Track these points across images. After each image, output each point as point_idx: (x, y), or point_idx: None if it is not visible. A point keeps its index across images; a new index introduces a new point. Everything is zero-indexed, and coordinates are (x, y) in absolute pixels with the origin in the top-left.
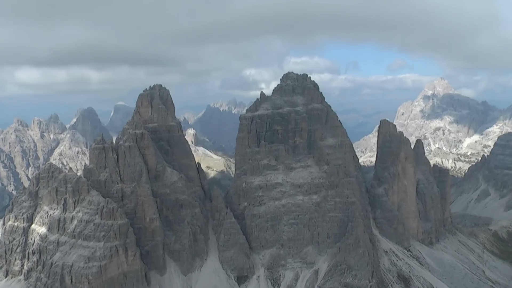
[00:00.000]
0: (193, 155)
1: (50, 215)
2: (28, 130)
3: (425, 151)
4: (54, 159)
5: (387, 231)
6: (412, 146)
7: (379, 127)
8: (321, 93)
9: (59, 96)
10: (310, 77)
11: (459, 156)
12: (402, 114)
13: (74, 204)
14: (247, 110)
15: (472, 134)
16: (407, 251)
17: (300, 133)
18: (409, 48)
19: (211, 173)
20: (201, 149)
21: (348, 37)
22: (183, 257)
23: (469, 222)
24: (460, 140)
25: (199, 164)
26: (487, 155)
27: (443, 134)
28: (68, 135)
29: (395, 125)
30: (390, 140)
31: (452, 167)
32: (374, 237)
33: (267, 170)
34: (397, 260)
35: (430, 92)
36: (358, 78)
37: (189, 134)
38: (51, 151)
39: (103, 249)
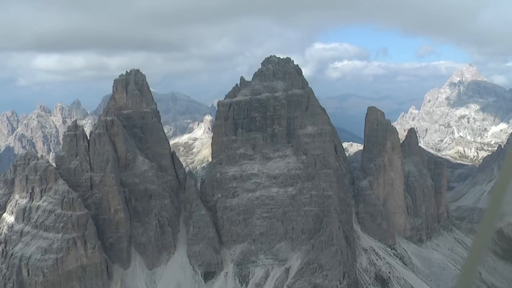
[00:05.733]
0: (168, 143)
1: (18, 203)
2: (50, 116)
3: (449, 139)
4: None
5: (369, 227)
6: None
7: (366, 114)
8: (303, 77)
9: (88, 83)
10: (293, 61)
11: (482, 145)
12: (429, 101)
13: (41, 193)
14: (225, 96)
15: (498, 123)
16: (391, 249)
17: (279, 120)
18: (411, 30)
19: None
20: None
21: (338, 18)
22: (149, 250)
23: (477, 217)
24: (485, 129)
25: (173, 152)
26: (504, 145)
27: (468, 122)
28: (89, 121)
29: (383, 113)
30: (377, 129)
31: (474, 156)
32: (353, 234)
33: (243, 159)
34: (376, 260)
35: (457, 79)
36: (392, 65)
37: (206, 121)
38: None
39: (61, 241)
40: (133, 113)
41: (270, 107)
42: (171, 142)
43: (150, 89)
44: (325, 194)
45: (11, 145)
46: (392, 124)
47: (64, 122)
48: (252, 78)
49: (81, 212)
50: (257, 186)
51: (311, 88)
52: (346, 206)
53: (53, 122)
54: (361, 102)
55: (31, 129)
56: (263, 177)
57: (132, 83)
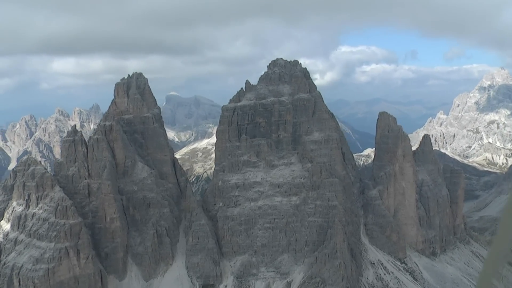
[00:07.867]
0: (170, 148)
1: (15, 211)
2: (68, 120)
3: (477, 145)
4: None
5: (378, 239)
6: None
7: (377, 119)
8: (311, 81)
9: (110, 86)
10: (301, 63)
11: None
12: (458, 106)
13: (37, 200)
14: (230, 100)
15: None
16: (401, 263)
17: (284, 126)
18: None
19: None
20: None
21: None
22: (146, 261)
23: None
24: None
25: (175, 159)
26: None
27: (498, 128)
28: None
29: (395, 118)
30: (388, 135)
31: (503, 164)
32: (360, 246)
33: (246, 167)
34: (384, 274)
35: (487, 83)
36: (423, 68)
37: None
38: None
39: (53, 251)
40: (134, 118)
41: (275, 112)
42: (191, 147)
43: (173, 92)
44: (330, 204)
45: (28, 150)
46: (419, 129)
47: (82, 126)
48: (258, 81)
49: (74, 220)
50: (260, 195)
51: (319, 92)
52: (353, 217)
53: (71, 126)
54: (390, 106)
55: (49, 133)
56: (266, 186)
57: (133, 87)
